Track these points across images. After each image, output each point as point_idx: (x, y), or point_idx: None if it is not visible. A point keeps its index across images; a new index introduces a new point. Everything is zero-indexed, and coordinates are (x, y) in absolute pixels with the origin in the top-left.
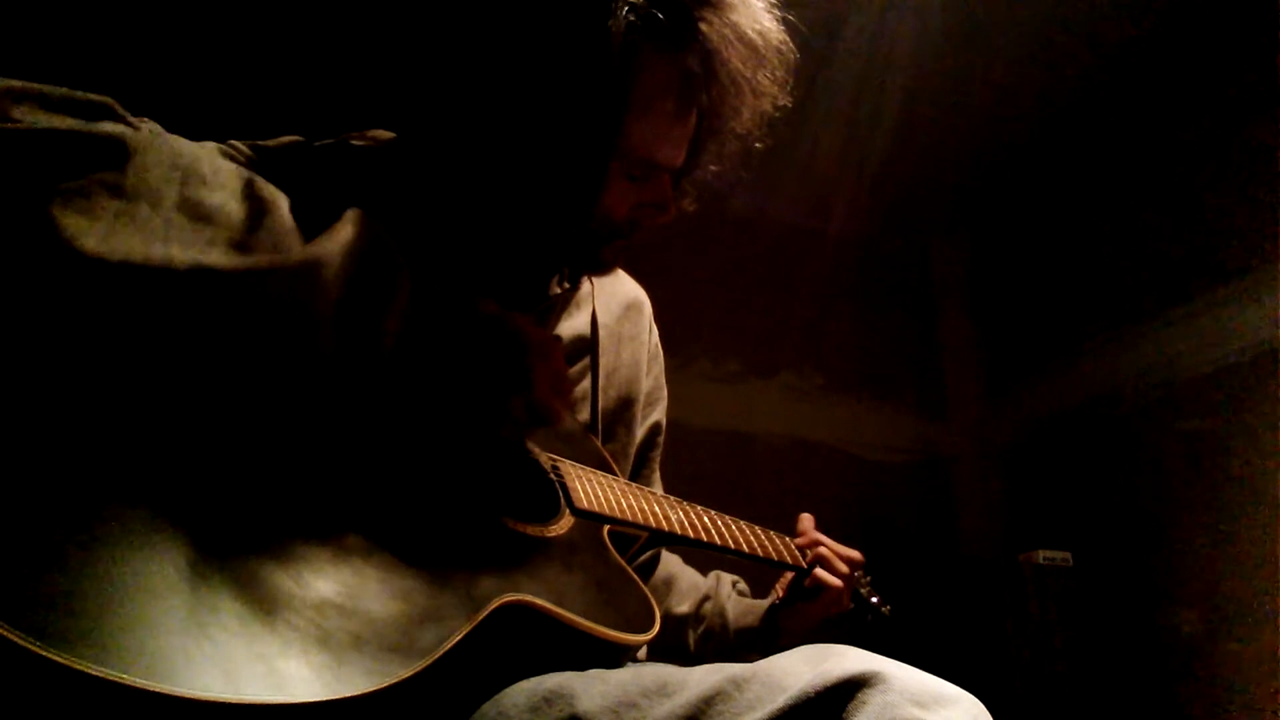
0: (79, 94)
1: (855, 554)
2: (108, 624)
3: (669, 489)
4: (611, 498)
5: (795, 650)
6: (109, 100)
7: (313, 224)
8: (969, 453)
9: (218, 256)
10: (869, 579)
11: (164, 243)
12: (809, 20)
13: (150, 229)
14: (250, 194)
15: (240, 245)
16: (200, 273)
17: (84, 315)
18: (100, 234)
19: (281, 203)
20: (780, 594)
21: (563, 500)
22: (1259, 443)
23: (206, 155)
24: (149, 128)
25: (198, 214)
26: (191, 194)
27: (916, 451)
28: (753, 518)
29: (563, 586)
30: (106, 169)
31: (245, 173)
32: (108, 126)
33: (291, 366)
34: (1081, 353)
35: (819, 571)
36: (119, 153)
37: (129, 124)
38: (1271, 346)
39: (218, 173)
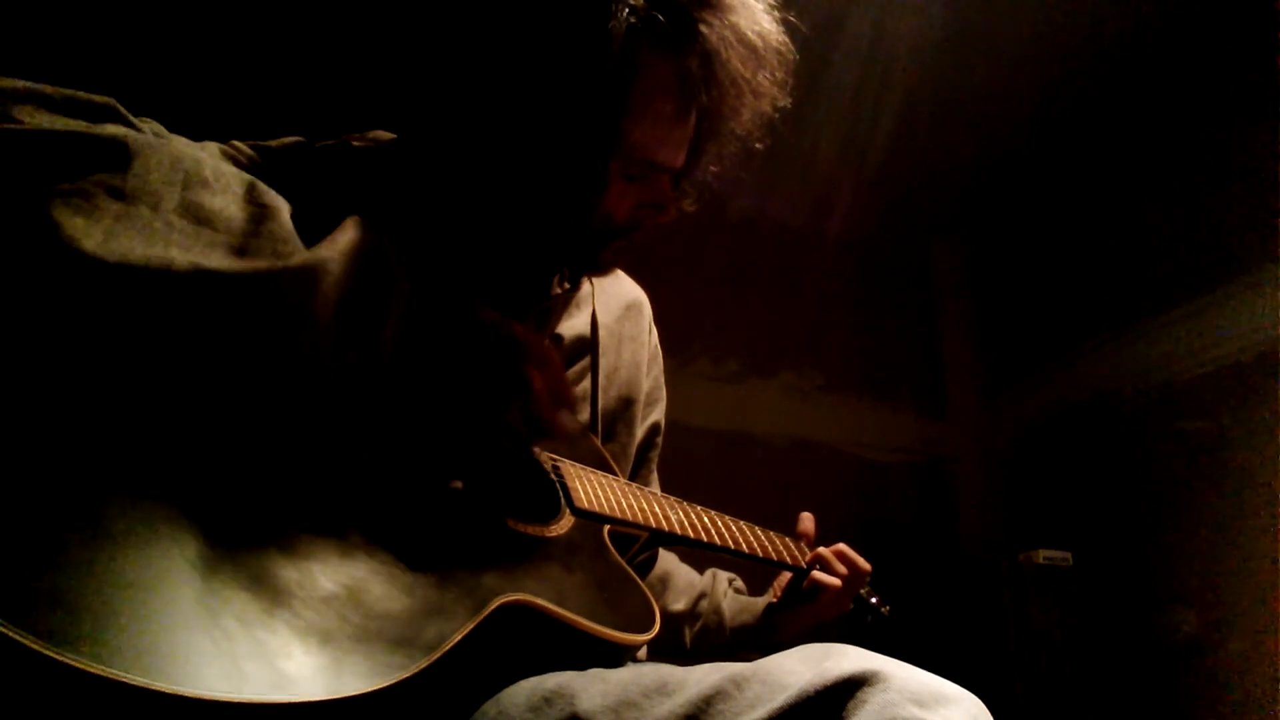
0: (82, 95)
1: (864, 564)
2: (111, 622)
3: (669, 489)
4: (612, 498)
5: (795, 649)
6: (112, 101)
7: (314, 229)
8: (969, 453)
9: (217, 260)
10: (868, 579)
11: (164, 245)
12: (809, 20)
13: (150, 231)
14: (252, 198)
15: (240, 249)
16: (199, 275)
17: (84, 315)
18: (100, 235)
19: (283, 208)
20: (777, 594)
21: (563, 500)
22: (1259, 443)
23: (209, 158)
24: (151, 128)
25: (199, 217)
26: (193, 197)
27: (916, 451)
28: (753, 518)
29: (564, 586)
30: (107, 171)
31: (247, 177)
32: (110, 128)
33: (290, 369)
34: (1081, 353)
35: (817, 573)
36: (120, 155)
37: (131, 125)
38: (1271, 346)
39: (220, 176)
